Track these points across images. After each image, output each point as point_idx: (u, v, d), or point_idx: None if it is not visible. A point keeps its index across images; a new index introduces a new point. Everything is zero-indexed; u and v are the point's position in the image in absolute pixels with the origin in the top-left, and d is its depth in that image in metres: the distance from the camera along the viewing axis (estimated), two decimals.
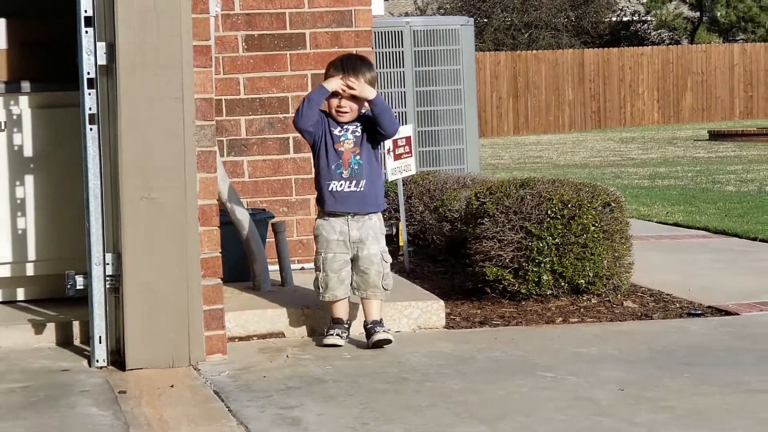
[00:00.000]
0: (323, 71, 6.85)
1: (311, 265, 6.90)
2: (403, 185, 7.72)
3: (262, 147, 6.92)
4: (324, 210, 5.67)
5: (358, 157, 5.63)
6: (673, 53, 34.79)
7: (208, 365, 5.25)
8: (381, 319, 5.64)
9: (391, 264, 5.74)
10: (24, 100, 6.03)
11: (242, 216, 6.23)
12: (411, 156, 7.21)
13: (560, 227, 6.41)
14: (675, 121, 34.15)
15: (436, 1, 39.08)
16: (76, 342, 5.60)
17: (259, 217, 6.51)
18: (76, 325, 5.62)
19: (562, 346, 5.58)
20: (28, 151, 6.03)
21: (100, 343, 5.27)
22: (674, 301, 6.68)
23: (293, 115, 5.68)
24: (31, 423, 4.45)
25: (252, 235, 6.25)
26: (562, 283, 6.47)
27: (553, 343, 5.66)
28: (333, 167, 5.61)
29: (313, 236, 5.77)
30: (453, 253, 7.57)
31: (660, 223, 10.58)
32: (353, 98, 5.62)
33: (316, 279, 5.69)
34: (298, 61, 6.91)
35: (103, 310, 5.28)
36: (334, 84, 5.61)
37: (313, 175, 5.70)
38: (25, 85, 6.03)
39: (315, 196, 6.15)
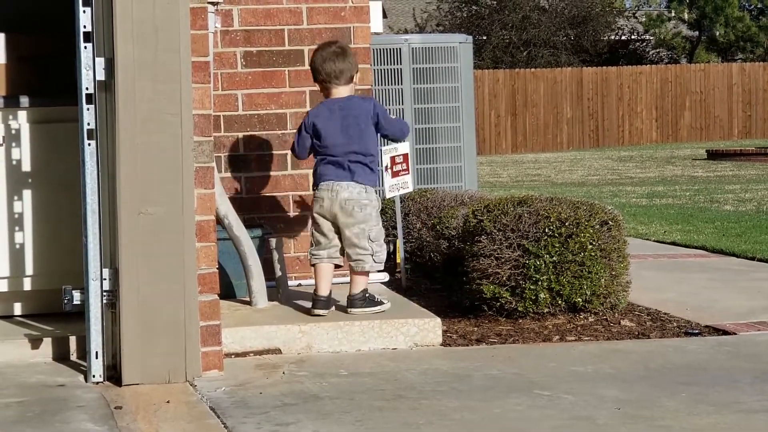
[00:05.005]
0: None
1: (308, 281, 6.92)
2: (401, 202, 7.71)
3: (260, 163, 6.92)
4: None
5: None
6: (672, 72, 34.86)
7: (205, 381, 5.24)
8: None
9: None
10: (22, 115, 6.03)
11: (240, 232, 6.24)
12: (408, 173, 7.20)
13: (558, 245, 6.41)
14: (673, 140, 34.20)
15: (435, 18, 39.16)
16: (73, 357, 5.60)
17: (257, 234, 6.51)
18: (72, 341, 5.62)
19: (558, 364, 5.58)
20: (26, 166, 6.03)
21: (97, 358, 5.27)
22: (672, 320, 6.67)
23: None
24: None
25: (249, 251, 6.25)
26: (560, 302, 6.47)
27: (550, 361, 5.65)
28: None
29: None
30: (450, 270, 7.56)
31: (658, 242, 10.57)
32: None
33: None
34: (297, 78, 6.91)
35: (100, 326, 5.28)
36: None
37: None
38: (24, 100, 6.03)
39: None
